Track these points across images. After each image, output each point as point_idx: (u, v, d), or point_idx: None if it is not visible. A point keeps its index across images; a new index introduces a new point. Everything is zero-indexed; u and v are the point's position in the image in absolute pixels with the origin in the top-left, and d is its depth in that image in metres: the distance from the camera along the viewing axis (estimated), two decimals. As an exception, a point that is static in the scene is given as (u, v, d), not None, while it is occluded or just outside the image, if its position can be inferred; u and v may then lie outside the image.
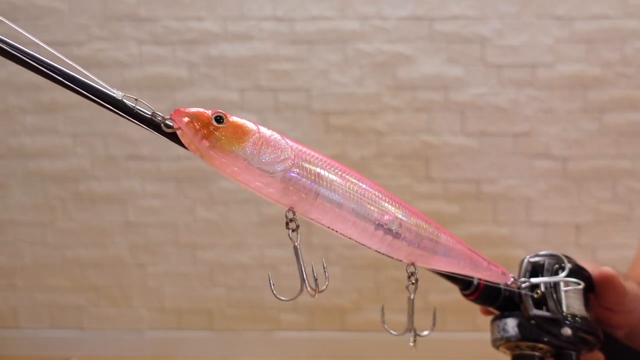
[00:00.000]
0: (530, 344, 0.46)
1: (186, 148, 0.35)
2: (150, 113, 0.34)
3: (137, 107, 0.34)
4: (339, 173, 0.38)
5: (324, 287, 0.37)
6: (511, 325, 0.47)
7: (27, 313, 2.11)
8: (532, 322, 0.46)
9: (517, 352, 0.47)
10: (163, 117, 0.34)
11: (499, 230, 2.00)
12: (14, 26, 0.31)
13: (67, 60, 0.33)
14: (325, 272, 0.39)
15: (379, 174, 1.99)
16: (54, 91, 2.01)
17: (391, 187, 2.02)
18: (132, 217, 2.05)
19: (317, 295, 0.37)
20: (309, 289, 0.36)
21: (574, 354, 0.46)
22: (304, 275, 0.36)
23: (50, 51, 0.33)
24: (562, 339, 0.45)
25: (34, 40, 0.32)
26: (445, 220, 1.96)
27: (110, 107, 0.33)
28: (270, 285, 0.39)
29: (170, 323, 2.09)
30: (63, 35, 1.96)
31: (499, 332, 0.48)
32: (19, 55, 0.31)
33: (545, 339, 0.45)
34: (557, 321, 0.45)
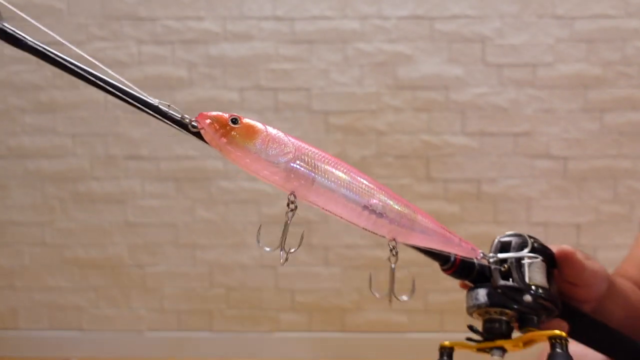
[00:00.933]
0: (498, 309, 0.54)
1: (208, 144, 0.44)
2: (179, 116, 0.43)
3: (170, 111, 0.44)
4: (332, 164, 0.46)
5: (293, 250, 0.46)
6: (482, 294, 0.55)
7: (26, 314, 2.11)
8: (499, 291, 0.53)
9: (487, 317, 0.55)
10: (190, 119, 0.43)
11: (499, 230, 1.98)
12: (51, 33, 0.41)
13: (122, 80, 0.43)
14: (300, 241, 0.47)
15: (379, 174, 1.98)
16: (53, 91, 2.01)
17: (391, 187, 2.01)
18: (131, 217, 2.05)
19: (284, 262, 0.45)
20: (282, 254, 0.45)
21: (534, 318, 0.53)
22: (283, 244, 0.45)
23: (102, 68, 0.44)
24: (523, 304, 0.52)
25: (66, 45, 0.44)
26: (445, 220, 1.95)
27: (150, 112, 0.43)
28: (257, 237, 0.47)
29: (170, 323, 2.09)
30: (62, 35, 1.94)
31: (471, 300, 0.56)
32: (81, 72, 0.44)
33: (510, 305, 0.53)
34: (520, 290, 0.53)
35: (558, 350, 0.48)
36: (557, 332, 0.50)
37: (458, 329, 2.02)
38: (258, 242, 0.47)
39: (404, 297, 0.53)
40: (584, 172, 1.98)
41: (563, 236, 1.99)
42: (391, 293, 0.53)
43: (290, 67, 1.97)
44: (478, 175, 1.99)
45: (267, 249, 0.46)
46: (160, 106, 0.44)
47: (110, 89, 0.43)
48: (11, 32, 0.44)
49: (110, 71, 0.44)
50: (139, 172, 2.03)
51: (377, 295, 0.52)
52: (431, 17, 1.94)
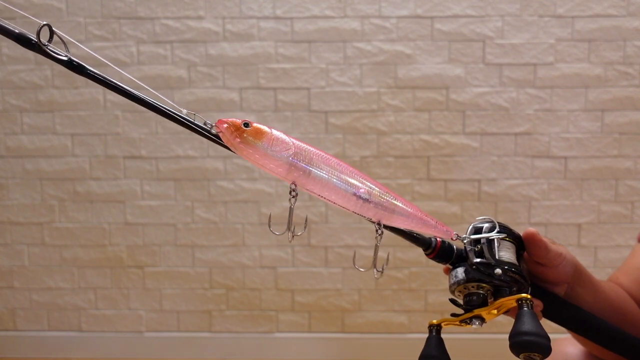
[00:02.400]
0: (475, 284, 0.61)
1: (224, 144, 0.56)
2: (202, 123, 0.55)
3: (196, 120, 0.55)
4: (325, 159, 0.57)
5: (300, 233, 0.58)
6: (460, 271, 0.62)
7: (25, 314, 2.10)
8: (474, 267, 0.60)
9: (466, 292, 0.62)
10: (211, 125, 0.55)
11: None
12: (75, 41, 0.52)
13: (153, 91, 0.56)
14: (305, 224, 0.62)
15: (379, 174, 1.98)
16: (52, 91, 2.00)
17: (391, 187, 2.01)
18: (130, 217, 2.04)
19: (291, 240, 0.58)
20: (289, 234, 0.58)
21: (507, 289, 0.60)
22: (291, 224, 0.57)
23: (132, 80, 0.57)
24: (495, 277, 0.59)
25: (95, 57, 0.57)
26: (446, 220, 1.95)
27: (178, 120, 0.54)
28: (269, 222, 0.59)
29: (169, 324, 2.08)
30: (61, 35, 1.94)
31: (452, 278, 0.63)
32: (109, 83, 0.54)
33: (485, 279, 0.60)
34: (492, 265, 0.60)
35: (525, 309, 0.55)
36: (522, 295, 0.57)
37: (457, 329, 2.02)
38: (269, 227, 0.59)
39: (380, 270, 0.60)
40: (584, 172, 1.97)
41: (564, 236, 1.99)
42: (374, 265, 0.61)
43: (290, 66, 1.96)
44: (479, 175, 1.98)
45: (277, 233, 0.58)
46: (187, 116, 0.55)
47: (144, 101, 0.54)
48: (77, 63, 0.54)
49: (154, 91, 0.56)
50: (138, 172, 2.02)
51: (362, 269, 0.59)
52: (431, 17, 1.93)
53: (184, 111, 0.54)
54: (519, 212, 1.99)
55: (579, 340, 0.78)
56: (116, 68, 0.58)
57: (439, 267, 0.67)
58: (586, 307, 0.69)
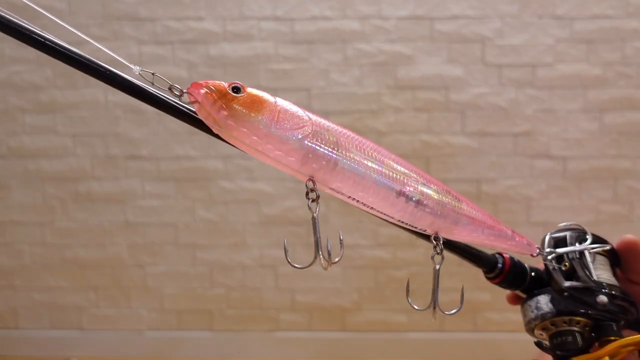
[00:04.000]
0: (567, 318, 0.43)
1: (203, 125, 0.35)
2: (167, 87, 0.35)
3: (156, 84, 0.34)
4: (357, 142, 0.37)
5: (337, 259, 0.37)
6: (544, 301, 0.44)
7: (26, 313, 2.11)
8: (565, 294, 0.43)
9: (554, 330, 0.44)
10: (181, 90, 0.35)
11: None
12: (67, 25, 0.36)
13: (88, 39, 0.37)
14: (340, 244, 0.39)
15: (379, 174, 1.98)
16: (54, 91, 2.01)
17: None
18: (131, 217, 2.05)
19: (329, 268, 0.37)
20: (322, 260, 0.37)
21: (613, 324, 0.42)
22: (319, 247, 0.37)
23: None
24: (598, 307, 0.42)
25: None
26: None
27: (125, 84, 0.35)
28: (285, 253, 0.38)
29: (170, 323, 2.09)
30: (62, 35, 1.95)
31: (532, 311, 0.45)
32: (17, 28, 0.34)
33: (582, 310, 0.42)
34: (591, 290, 0.43)
35: None
36: None
37: (458, 328, 2.03)
38: (287, 260, 0.38)
39: (452, 311, 0.43)
40: (583, 172, 1.98)
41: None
42: (435, 303, 0.43)
43: (290, 67, 1.97)
44: (478, 175, 1.99)
45: (298, 266, 0.38)
46: (142, 76, 0.35)
47: (72, 58, 0.36)
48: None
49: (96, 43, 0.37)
50: (139, 172, 2.03)
51: (417, 307, 0.43)
52: (431, 17, 1.94)
53: (136, 69, 0.35)
54: (518, 212, 2.00)
55: None
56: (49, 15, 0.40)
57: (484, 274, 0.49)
58: None
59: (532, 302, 0.45)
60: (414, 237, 0.42)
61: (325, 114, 1.98)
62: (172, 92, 0.35)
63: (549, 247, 0.46)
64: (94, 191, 2.04)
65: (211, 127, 0.35)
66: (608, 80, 1.94)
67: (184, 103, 0.35)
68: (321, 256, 0.36)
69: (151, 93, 0.35)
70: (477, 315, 1.98)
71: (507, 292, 0.49)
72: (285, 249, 0.39)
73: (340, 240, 0.40)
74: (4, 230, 2.07)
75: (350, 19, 1.95)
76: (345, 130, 0.38)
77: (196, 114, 0.35)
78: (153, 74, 0.35)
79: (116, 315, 2.10)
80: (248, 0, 1.95)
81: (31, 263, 2.08)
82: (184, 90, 0.35)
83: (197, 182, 2.02)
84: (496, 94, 1.96)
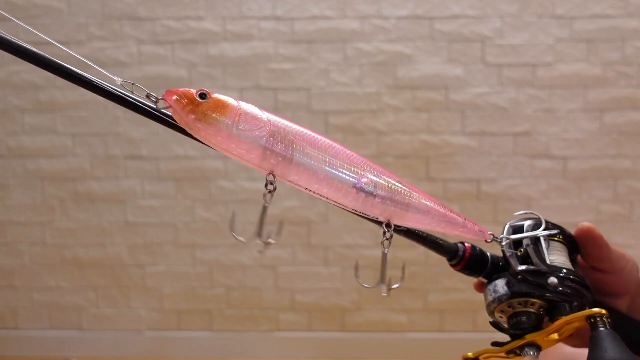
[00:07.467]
0: (522, 300, 0.46)
1: (177, 125, 0.42)
2: (145, 95, 0.40)
3: (136, 93, 0.41)
4: (313, 140, 0.42)
5: (273, 242, 0.42)
6: (500, 285, 0.47)
7: (26, 313, 2.11)
8: (519, 277, 0.46)
9: (511, 311, 0.47)
10: (157, 98, 0.40)
11: (499, 230, 1.99)
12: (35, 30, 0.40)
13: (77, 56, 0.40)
14: (279, 230, 0.43)
15: (379, 174, 1.98)
16: (53, 91, 2.01)
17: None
18: (131, 217, 2.05)
19: (261, 252, 0.42)
20: (259, 243, 0.42)
21: (566, 304, 0.45)
22: (261, 230, 0.42)
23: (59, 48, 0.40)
24: (550, 289, 0.45)
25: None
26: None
27: (109, 93, 0.40)
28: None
29: (170, 323, 2.09)
30: (62, 35, 1.95)
31: (490, 295, 0.48)
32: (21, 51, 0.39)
33: (535, 293, 0.45)
34: (543, 273, 0.46)
35: (602, 329, 0.40)
36: (594, 310, 0.41)
37: (458, 328, 2.03)
38: (231, 230, 0.44)
39: (396, 285, 0.48)
40: (584, 172, 1.98)
41: (563, 236, 1.99)
42: (383, 281, 0.48)
43: (290, 67, 1.97)
44: (478, 175, 1.99)
45: (241, 239, 0.42)
46: (124, 86, 0.40)
47: (59, 69, 0.39)
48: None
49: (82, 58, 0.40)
50: (139, 172, 2.03)
51: (367, 285, 0.47)
52: (431, 17, 1.94)
53: (119, 80, 0.40)
54: (518, 212, 2.00)
55: None
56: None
57: (439, 267, 0.53)
58: None
59: (491, 287, 0.48)
60: None
61: (325, 114, 1.98)
62: (149, 99, 0.41)
63: (507, 234, 0.50)
64: (93, 191, 2.04)
65: (185, 129, 0.42)
66: (608, 80, 1.94)
67: (160, 109, 0.41)
68: (258, 239, 0.42)
69: (131, 101, 0.41)
70: (477, 315, 1.97)
71: (474, 280, 0.52)
72: (231, 220, 0.45)
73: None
74: (4, 230, 2.07)
75: (350, 18, 1.95)
76: (302, 129, 0.42)
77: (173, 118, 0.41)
78: (133, 84, 0.40)
79: (116, 315, 2.10)
80: (248, 0, 1.95)
81: (31, 263, 2.08)
82: (159, 98, 0.40)
83: (197, 182, 2.02)
84: (496, 94, 1.96)
